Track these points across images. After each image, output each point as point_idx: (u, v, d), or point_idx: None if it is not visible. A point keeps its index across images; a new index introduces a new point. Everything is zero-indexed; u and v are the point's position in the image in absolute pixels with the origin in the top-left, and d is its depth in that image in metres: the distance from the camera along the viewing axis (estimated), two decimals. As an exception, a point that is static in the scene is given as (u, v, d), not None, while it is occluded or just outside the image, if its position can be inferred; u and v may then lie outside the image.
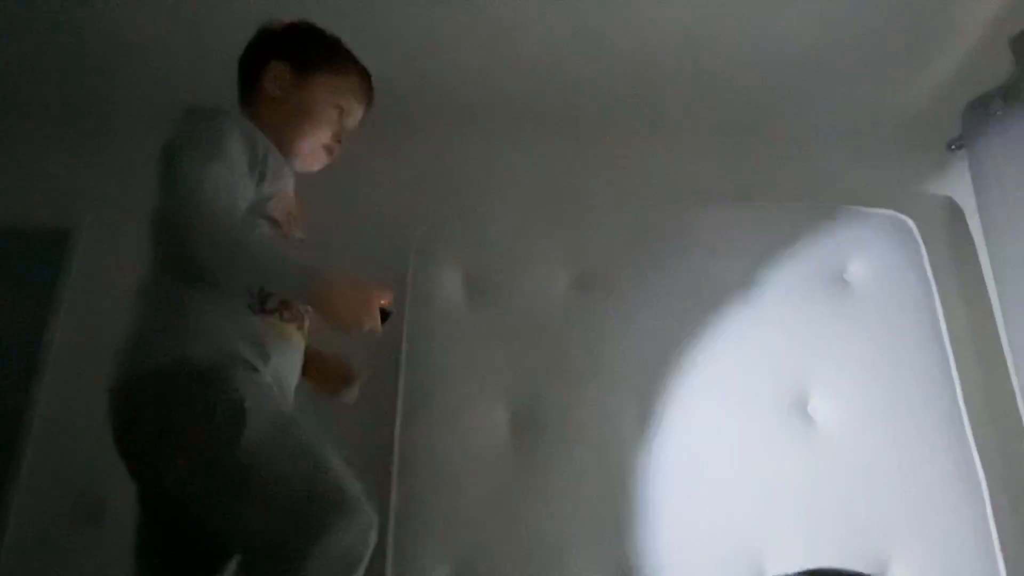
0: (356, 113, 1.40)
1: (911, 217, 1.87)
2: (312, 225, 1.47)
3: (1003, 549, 1.60)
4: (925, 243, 1.84)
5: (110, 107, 2.11)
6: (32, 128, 2.15)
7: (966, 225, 1.84)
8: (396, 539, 1.61)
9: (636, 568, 1.58)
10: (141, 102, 2.10)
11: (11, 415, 1.84)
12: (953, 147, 1.92)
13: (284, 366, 1.20)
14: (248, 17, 1.80)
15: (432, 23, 1.86)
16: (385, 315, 1.18)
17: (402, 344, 1.79)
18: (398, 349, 1.80)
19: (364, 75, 1.40)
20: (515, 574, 1.58)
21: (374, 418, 1.84)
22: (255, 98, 1.37)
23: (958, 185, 1.87)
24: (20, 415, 1.84)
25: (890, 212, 1.89)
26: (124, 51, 1.92)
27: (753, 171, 2.10)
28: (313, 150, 1.36)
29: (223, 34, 1.86)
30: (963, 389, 1.73)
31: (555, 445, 1.68)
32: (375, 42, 1.88)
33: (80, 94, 2.07)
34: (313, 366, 1.33)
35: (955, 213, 1.93)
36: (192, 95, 2.03)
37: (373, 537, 1.05)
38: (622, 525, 1.61)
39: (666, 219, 1.89)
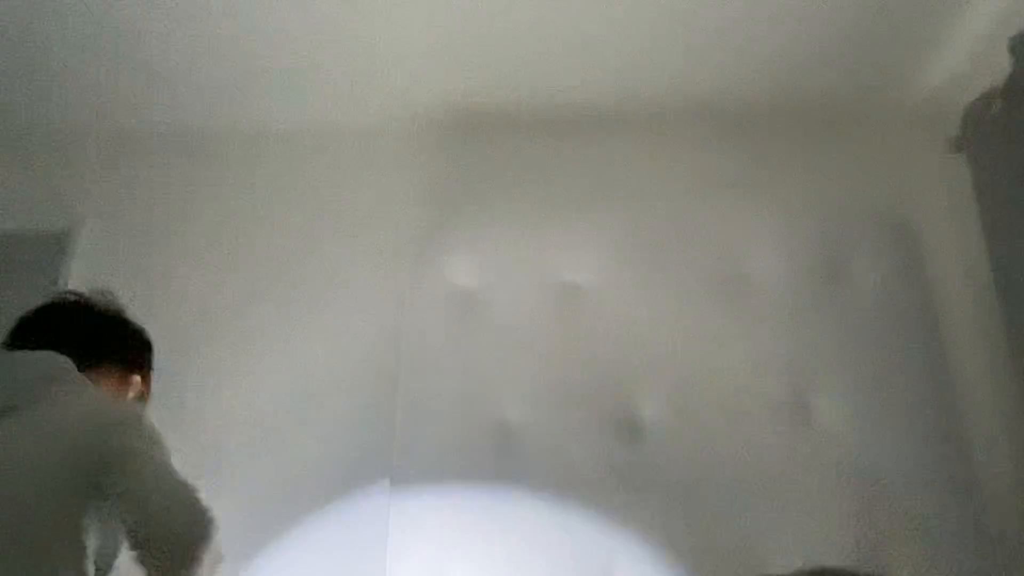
0: None
1: (911, 217, 1.87)
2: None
3: (1001, 549, 1.60)
4: (925, 243, 1.84)
5: (109, 111, 2.12)
6: (32, 132, 2.16)
7: (965, 225, 1.83)
8: (395, 542, 1.62)
9: (632, 569, 1.58)
10: (140, 104, 2.10)
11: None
12: (953, 147, 1.91)
13: None
14: (241, 22, 1.81)
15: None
16: None
17: (401, 344, 1.79)
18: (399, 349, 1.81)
19: None
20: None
21: (375, 416, 1.85)
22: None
23: (958, 185, 1.86)
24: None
25: (890, 212, 1.89)
26: (124, 52, 1.92)
27: (752, 171, 2.10)
28: None
29: (220, 36, 1.87)
30: (962, 389, 1.73)
31: (553, 443, 1.68)
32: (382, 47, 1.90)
33: (79, 98, 2.07)
34: None
35: (955, 212, 1.93)
36: (190, 94, 2.06)
37: None
38: (619, 524, 1.62)
39: (664, 220, 1.89)
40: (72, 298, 1.28)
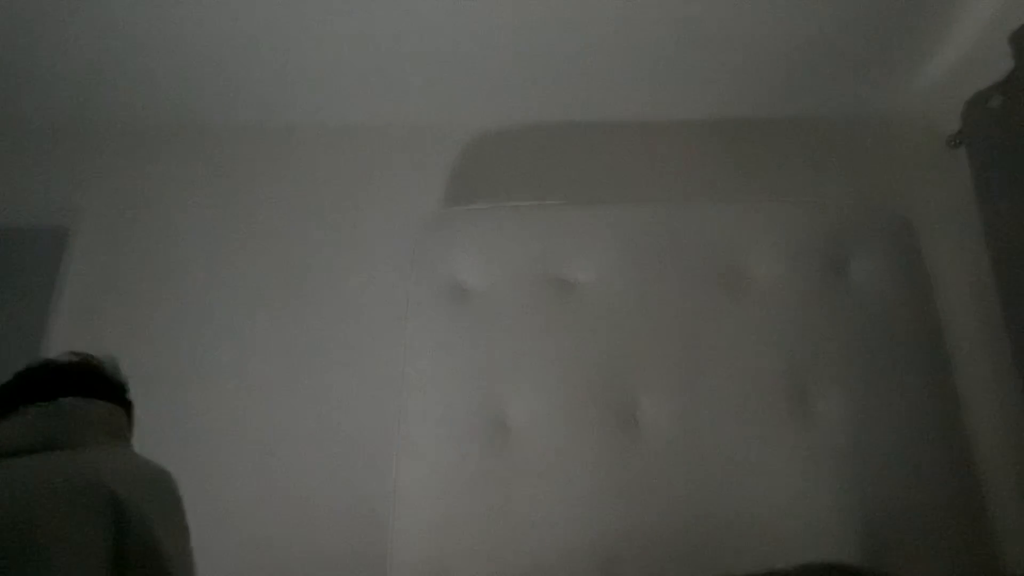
0: None
1: (910, 213, 1.87)
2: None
3: (1002, 544, 1.60)
4: (924, 240, 1.85)
5: (109, 106, 2.12)
6: (31, 126, 2.16)
7: (966, 221, 1.84)
8: (398, 539, 1.62)
9: (628, 568, 1.58)
10: (139, 102, 2.10)
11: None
12: (953, 143, 1.92)
13: None
14: (236, 19, 1.81)
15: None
16: None
17: (405, 339, 1.79)
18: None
19: None
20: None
21: (377, 414, 1.86)
22: None
23: (958, 181, 1.87)
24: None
25: (889, 209, 1.89)
26: (122, 52, 1.92)
27: (751, 168, 2.11)
28: None
29: (215, 35, 1.87)
30: (962, 386, 1.73)
31: (552, 442, 1.68)
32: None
33: (79, 93, 2.07)
34: None
35: (954, 209, 1.93)
36: (188, 97, 2.06)
37: None
38: (618, 521, 1.62)
39: (664, 216, 1.88)
40: (93, 361, 1.30)
